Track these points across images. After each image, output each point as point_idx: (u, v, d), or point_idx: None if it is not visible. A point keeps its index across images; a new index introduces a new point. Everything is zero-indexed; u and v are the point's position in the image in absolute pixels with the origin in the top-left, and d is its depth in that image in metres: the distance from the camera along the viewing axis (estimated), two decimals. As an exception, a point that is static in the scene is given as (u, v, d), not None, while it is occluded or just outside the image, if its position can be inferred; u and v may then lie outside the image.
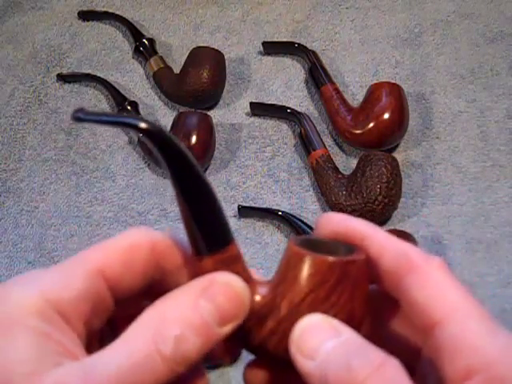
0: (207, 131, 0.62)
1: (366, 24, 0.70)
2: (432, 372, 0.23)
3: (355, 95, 0.66)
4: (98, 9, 0.75)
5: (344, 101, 0.62)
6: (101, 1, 0.76)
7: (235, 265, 0.25)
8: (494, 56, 0.65)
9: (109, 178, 0.65)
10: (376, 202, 0.55)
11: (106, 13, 0.74)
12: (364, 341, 0.22)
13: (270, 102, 0.66)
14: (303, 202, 0.61)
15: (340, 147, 0.64)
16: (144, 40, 0.70)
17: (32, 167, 0.67)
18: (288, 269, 0.24)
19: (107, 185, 0.65)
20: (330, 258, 0.24)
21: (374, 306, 0.27)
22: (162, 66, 0.68)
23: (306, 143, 0.61)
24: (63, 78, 0.71)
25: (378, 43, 0.68)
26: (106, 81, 0.69)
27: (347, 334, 0.23)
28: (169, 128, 0.63)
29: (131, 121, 0.23)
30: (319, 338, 0.23)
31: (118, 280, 0.24)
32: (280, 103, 0.66)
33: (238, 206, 0.60)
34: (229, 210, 0.62)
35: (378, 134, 0.59)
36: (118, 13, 0.74)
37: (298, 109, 0.65)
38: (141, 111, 0.66)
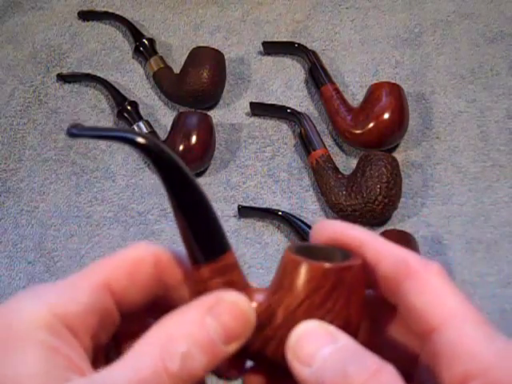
0: (207, 131, 0.62)
1: (366, 24, 0.70)
2: (430, 378, 0.23)
3: (355, 95, 0.66)
4: (98, 9, 0.75)
5: (344, 101, 0.62)
6: (101, 1, 0.76)
7: (231, 273, 0.25)
8: (494, 56, 0.65)
9: (109, 178, 0.65)
10: (376, 202, 0.55)
11: (106, 13, 0.74)
12: (360, 347, 0.22)
13: (269, 102, 0.66)
14: (303, 202, 0.61)
15: (340, 147, 0.64)
16: (144, 40, 0.70)
17: (32, 167, 0.67)
18: (284, 276, 0.24)
19: (107, 185, 0.65)
20: (325, 265, 0.24)
21: (371, 311, 0.27)
22: (161, 66, 0.68)
23: (306, 143, 0.61)
24: (63, 78, 0.71)
25: (377, 43, 0.68)
26: (105, 81, 0.69)
27: (343, 340, 0.23)
28: (169, 128, 0.63)
29: (128, 135, 0.23)
30: (315, 344, 0.23)
31: (124, 294, 0.24)
32: (280, 103, 0.66)
33: (238, 206, 0.60)
34: (229, 210, 0.62)
35: (378, 134, 0.59)
36: (118, 13, 0.74)
37: (298, 109, 0.65)
38: (141, 111, 0.66)
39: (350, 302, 0.24)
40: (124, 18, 0.73)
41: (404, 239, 0.54)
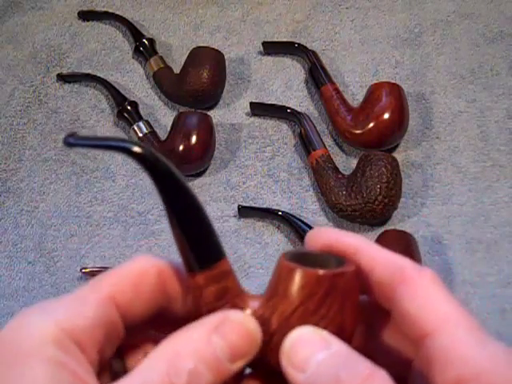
0: (207, 131, 0.62)
1: (366, 24, 0.70)
2: (423, 383, 0.23)
3: (355, 95, 0.66)
4: (98, 9, 0.75)
5: (344, 101, 0.62)
6: (101, 1, 0.76)
7: (226, 280, 0.25)
8: (494, 56, 0.65)
9: (109, 178, 0.65)
10: (376, 202, 0.55)
11: (106, 13, 0.74)
12: (353, 352, 0.23)
13: (269, 102, 0.66)
14: (303, 202, 0.61)
15: (340, 147, 0.64)
16: (144, 40, 0.70)
17: (32, 167, 0.67)
18: (278, 283, 0.25)
19: (107, 185, 0.65)
20: (319, 271, 0.24)
21: (366, 317, 0.27)
22: (162, 65, 0.68)
23: (306, 143, 0.61)
24: (63, 78, 0.71)
25: (378, 43, 0.68)
26: (105, 81, 0.69)
27: (337, 345, 0.23)
28: (169, 128, 0.63)
29: (123, 145, 0.23)
30: (309, 349, 0.23)
31: (129, 306, 0.25)
32: (280, 103, 0.66)
33: (238, 206, 0.60)
34: (229, 210, 0.62)
35: (378, 134, 0.59)
36: (118, 13, 0.74)
37: (298, 109, 0.65)
38: (141, 111, 0.66)
39: (343, 308, 0.24)
40: (124, 18, 0.73)
41: (404, 239, 0.54)
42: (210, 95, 0.66)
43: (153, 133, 0.64)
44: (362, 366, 0.22)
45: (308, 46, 0.68)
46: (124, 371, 0.26)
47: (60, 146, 0.67)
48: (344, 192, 0.57)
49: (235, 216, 0.61)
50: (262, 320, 0.24)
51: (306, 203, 0.61)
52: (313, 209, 0.61)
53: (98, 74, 0.70)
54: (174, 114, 0.66)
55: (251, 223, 0.61)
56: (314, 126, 0.62)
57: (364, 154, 0.57)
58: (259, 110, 0.66)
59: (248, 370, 0.26)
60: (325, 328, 0.24)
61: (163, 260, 0.26)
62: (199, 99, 0.65)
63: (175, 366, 0.22)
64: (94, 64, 0.72)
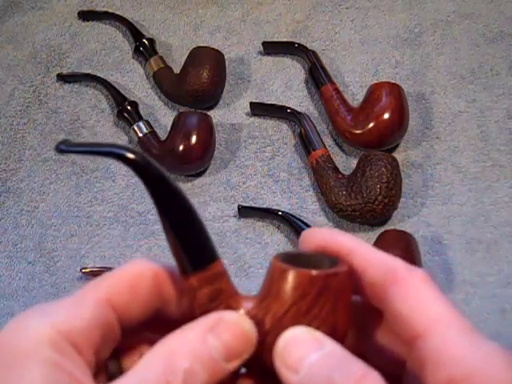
0: (207, 131, 0.62)
1: (366, 24, 0.70)
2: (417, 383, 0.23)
3: (355, 95, 0.66)
4: (98, 9, 0.75)
5: (344, 101, 0.62)
6: (101, 1, 0.76)
7: (219, 281, 0.25)
8: (494, 56, 0.65)
9: (109, 178, 0.65)
10: (376, 202, 0.55)
11: (106, 13, 0.74)
12: (346, 353, 0.23)
13: (269, 102, 0.66)
14: (303, 202, 0.61)
15: (340, 147, 0.64)
16: (144, 40, 0.70)
17: (32, 167, 0.67)
18: (271, 283, 0.25)
19: (107, 185, 0.65)
20: (312, 272, 0.24)
21: (359, 317, 0.27)
22: (162, 65, 0.68)
23: (306, 143, 0.61)
24: (63, 78, 0.71)
25: (378, 43, 0.68)
26: (105, 81, 0.69)
27: (330, 346, 0.23)
28: (169, 128, 0.63)
29: (116, 150, 0.23)
30: (302, 350, 0.23)
31: (125, 309, 0.25)
32: (280, 103, 0.66)
33: (238, 206, 0.60)
34: (229, 210, 0.62)
35: (378, 134, 0.59)
36: (118, 13, 0.74)
37: (298, 109, 0.65)
38: (141, 111, 0.66)
39: (336, 308, 0.24)
40: (124, 18, 0.73)
41: (404, 239, 0.54)
42: (210, 95, 0.66)
43: (153, 133, 0.64)
44: (355, 367, 0.22)
45: (308, 46, 0.68)
46: (120, 372, 0.26)
47: (60, 146, 0.67)
48: (344, 192, 0.57)
49: (235, 216, 0.61)
50: (256, 321, 0.25)
51: (306, 203, 0.61)
52: (313, 209, 0.61)
53: (98, 74, 0.70)
54: (174, 114, 0.66)
55: (251, 223, 0.61)
56: (314, 126, 0.62)
57: (364, 154, 0.57)
58: (259, 110, 0.66)
59: (243, 370, 0.27)
60: (317, 328, 0.24)
61: (158, 263, 0.26)
62: (199, 99, 0.65)
63: (171, 366, 0.22)
64: (94, 64, 0.72)
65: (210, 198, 0.63)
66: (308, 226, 0.58)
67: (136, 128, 0.64)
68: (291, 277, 0.24)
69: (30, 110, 0.70)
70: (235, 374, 0.26)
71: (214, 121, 0.64)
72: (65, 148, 0.23)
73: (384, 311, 0.25)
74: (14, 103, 0.71)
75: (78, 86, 0.71)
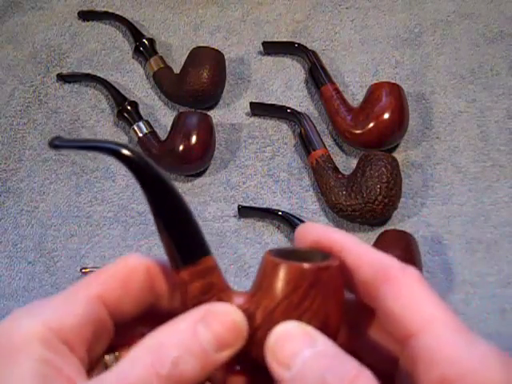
0: (207, 131, 0.62)
1: (366, 24, 0.70)
2: (409, 382, 0.23)
3: (355, 95, 0.66)
4: (98, 9, 0.75)
5: (344, 101, 0.62)
6: (101, 1, 0.76)
7: (211, 276, 0.26)
8: (494, 56, 0.65)
9: (109, 178, 0.65)
10: (376, 202, 0.55)
11: (106, 13, 0.74)
12: (339, 350, 0.23)
13: (269, 102, 0.66)
14: (303, 202, 0.61)
15: (340, 147, 0.64)
16: (144, 40, 0.70)
17: (32, 167, 0.67)
18: (263, 277, 0.25)
19: (107, 185, 0.65)
20: (303, 265, 0.24)
21: (352, 315, 0.27)
22: (162, 66, 0.68)
23: (306, 143, 0.61)
24: (63, 78, 0.71)
25: (378, 43, 0.68)
26: (105, 81, 0.69)
27: (322, 342, 0.23)
28: (169, 128, 0.63)
29: (110, 146, 0.24)
30: (294, 346, 0.23)
31: (117, 305, 0.25)
32: (280, 103, 0.66)
33: (238, 206, 0.60)
34: (229, 210, 0.62)
35: (378, 134, 0.59)
36: (118, 13, 0.74)
37: (298, 109, 0.65)
38: (141, 111, 0.66)
39: (328, 302, 0.24)
40: (124, 18, 0.73)
41: (404, 239, 0.54)
42: (210, 95, 0.66)
43: (153, 133, 0.64)
44: (349, 365, 0.22)
45: (308, 46, 0.68)
46: None
47: (60, 146, 0.67)
48: (344, 192, 0.57)
49: (235, 216, 0.61)
50: (247, 314, 0.25)
51: (305, 203, 0.61)
52: (313, 209, 0.61)
53: (98, 74, 0.70)
54: (174, 114, 0.67)
55: (251, 223, 0.61)
56: (314, 126, 0.62)
57: (364, 154, 0.57)
58: (259, 110, 0.66)
59: (237, 368, 0.26)
60: (309, 321, 0.24)
61: (151, 258, 0.27)
62: (199, 99, 0.65)
63: (159, 356, 0.22)
64: (94, 64, 0.72)
65: (210, 198, 0.63)
66: (308, 225, 0.58)
67: (136, 128, 0.64)
68: (283, 270, 0.24)
69: (30, 109, 0.70)
70: (229, 368, 0.26)
71: (214, 121, 0.64)
72: (59, 143, 0.23)
73: (376, 309, 0.25)
74: (14, 103, 0.71)
75: (78, 86, 0.71)
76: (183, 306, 0.25)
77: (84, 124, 0.69)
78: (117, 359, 0.27)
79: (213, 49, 0.66)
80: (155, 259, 0.27)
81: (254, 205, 0.62)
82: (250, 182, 0.63)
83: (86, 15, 0.75)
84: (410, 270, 0.24)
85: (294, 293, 0.24)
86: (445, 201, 0.59)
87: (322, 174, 0.59)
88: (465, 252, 0.57)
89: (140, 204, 0.63)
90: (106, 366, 0.26)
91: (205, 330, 0.23)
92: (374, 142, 0.59)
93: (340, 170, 0.60)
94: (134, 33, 0.71)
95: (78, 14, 0.75)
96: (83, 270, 0.60)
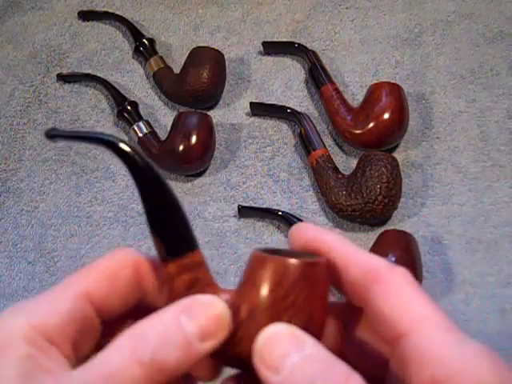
0: (207, 131, 0.62)
1: (366, 24, 0.70)
2: (400, 383, 0.23)
3: (355, 95, 0.66)
4: (98, 9, 0.75)
5: (344, 101, 0.62)
6: (101, 1, 0.76)
7: (198, 270, 0.26)
8: (494, 56, 0.65)
9: (109, 178, 0.65)
10: (376, 202, 0.55)
11: (106, 13, 0.74)
12: (328, 354, 0.23)
13: (269, 102, 0.66)
14: (303, 202, 0.61)
15: (340, 147, 0.64)
16: (144, 40, 0.70)
17: (32, 167, 0.67)
18: (250, 273, 0.25)
19: (107, 185, 0.65)
20: (289, 260, 0.24)
21: (342, 316, 0.27)
22: (162, 66, 0.68)
23: (306, 143, 0.61)
24: (63, 78, 0.71)
25: (378, 43, 0.68)
26: (105, 81, 0.69)
27: (310, 346, 0.23)
28: (169, 128, 0.63)
29: (104, 137, 0.25)
30: (282, 349, 0.23)
31: (104, 302, 0.25)
32: (280, 103, 0.66)
33: (238, 206, 0.60)
34: (229, 210, 0.62)
35: (377, 134, 0.59)
36: (118, 13, 0.74)
37: (298, 109, 0.65)
38: (141, 111, 0.66)
39: (313, 298, 0.24)
40: (124, 18, 0.73)
41: (404, 239, 0.54)
42: (210, 95, 0.66)
43: (153, 133, 0.64)
44: (338, 369, 0.22)
45: (308, 46, 0.68)
46: None
47: (60, 146, 0.67)
48: (344, 192, 0.57)
49: (235, 216, 0.61)
50: (232, 308, 0.25)
51: (305, 203, 0.61)
52: (313, 209, 0.61)
53: (98, 74, 0.70)
54: (174, 114, 0.67)
55: (251, 223, 0.61)
56: (314, 126, 0.62)
57: (364, 154, 0.57)
58: (259, 110, 0.66)
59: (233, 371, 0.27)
60: (293, 317, 0.24)
61: (140, 253, 0.27)
62: (199, 99, 0.65)
63: (142, 344, 0.23)
64: (94, 64, 0.72)
65: (210, 198, 0.63)
66: (308, 226, 0.58)
67: (136, 128, 0.64)
68: (268, 265, 0.24)
69: (30, 109, 0.70)
70: (215, 365, 0.26)
71: (214, 121, 0.64)
72: (55, 133, 0.24)
73: (366, 310, 0.25)
74: (14, 103, 0.71)
75: (78, 86, 0.71)
76: (170, 299, 0.26)
77: (84, 124, 0.69)
78: None
79: (213, 49, 0.66)
80: (144, 254, 0.27)
81: (254, 205, 0.62)
82: (250, 182, 0.63)
83: (86, 15, 0.75)
84: (400, 270, 0.24)
85: (279, 287, 0.24)
86: (445, 201, 0.59)
87: (322, 174, 0.59)
88: (465, 252, 0.57)
89: (140, 204, 0.63)
90: None
91: (188, 320, 0.24)
92: (374, 142, 0.59)
93: (340, 170, 0.60)
94: (134, 33, 0.71)
95: (78, 13, 0.75)
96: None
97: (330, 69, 0.66)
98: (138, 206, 0.63)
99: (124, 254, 0.26)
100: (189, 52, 0.66)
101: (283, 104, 0.65)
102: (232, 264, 0.59)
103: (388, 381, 0.25)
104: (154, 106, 0.69)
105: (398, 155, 0.61)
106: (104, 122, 0.68)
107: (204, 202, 0.63)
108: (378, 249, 0.54)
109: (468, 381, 0.21)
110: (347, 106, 0.62)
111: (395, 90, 0.60)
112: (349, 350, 0.27)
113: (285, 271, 0.24)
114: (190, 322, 0.23)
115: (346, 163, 0.62)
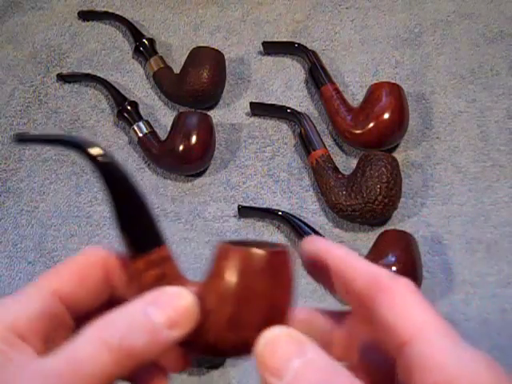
0: (207, 131, 0.62)
1: (366, 24, 0.70)
2: None
3: (355, 95, 0.66)
4: (98, 9, 0.75)
5: (344, 101, 0.62)
6: (101, 1, 0.76)
7: (164, 264, 0.27)
8: (494, 56, 0.65)
9: (109, 178, 0.65)
10: (376, 202, 0.55)
11: (106, 13, 0.74)
12: (329, 360, 0.23)
13: (269, 102, 0.66)
14: (303, 202, 0.61)
15: (340, 147, 0.64)
16: (144, 40, 0.70)
17: (32, 167, 0.67)
18: (215, 264, 0.26)
19: (107, 185, 0.65)
20: (252, 249, 0.25)
21: (347, 326, 0.28)
22: (162, 66, 0.68)
23: (306, 143, 0.61)
24: (63, 78, 0.71)
25: (378, 43, 0.68)
26: (105, 81, 0.69)
27: (312, 351, 0.23)
28: (169, 128, 0.63)
29: (73, 140, 0.26)
30: (284, 354, 0.23)
31: (74, 299, 0.26)
32: (280, 103, 0.66)
33: (238, 206, 0.60)
34: (229, 210, 0.62)
35: (377, 134, 0.59)
36: (118, 13, 0.74)
37: (298, 109, 0.65)
38: (141, 111, 0.66)
39: (276, 286, 0.25)
40: (124, 18, 0.73)
41: (404, 239, 0.54)
42: (210, 95, 0.66)
43: (153, 133, 0.64)
44: (342, 377, 0.22)
45: (308, 46, 0.68)
46: None
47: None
48: (344, 192, 0.57)
49: (235, 216, 0.61)
50: (200, 299, 0.25)
51: (305, 203, 0.61)
52: (313, 209, 0.61)
53: (98, 74, 0.70)
54: (174, 114, 0.66)
55: (251, 223, 0.61)
56: (314, 126, 0.62)
57: (364, 154, 0.57)
58: (259, 110, 0.66)
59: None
60: (258, 303, 0.25)
61: (110, 251, 0.28)
62: (199, 99, 0.65)
63: (109, 331, 0.23)
64: (94, 64, 0.72)
65: (210, 198, 0.63)
66: (308, 226, 0.58)
67: (136, 128, 0.64)
68: (232, 255, 0.25)
69: (30, 110, 0.70)
70: (187, 353, 0.27)
71: (214, 121, 0.64)
72: (22, 138, 0.26)
73: (372, 320, 0.25)
74: (14, 103, 0.71)
75: (78, 86, 0.71)
76: (139, 294, 0.26)
77: (84, 124, 0.69)
78: None
79: (213, 49, 0.66)
80: (114, 251, 0.28)
81: (254, 205, 0.62)
82: (250, 182, 0.63)
83: (86, 15, 0.75)
84: (403, 280, 0.25)
85: (243, 277, 0.25)
86: (445, 201, 0.59)
87: (322, 174, 0.59)
88: (465, 252, 0.57)
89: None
90: None
91: (155, 310, 0.24)
92: (374, 142, 0.59)
93: (340, 170, 0.60)
94: (134, 33, 0.71)
95: (78, 14, 0.75)
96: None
97: (330, 69, 0.66)
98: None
99: (93, 252, 0.27)
100: (189, 52, 0.66)
101: (283, 104, 0.65)
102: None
103: None
104: (154, 106, 0.69)
105: (398, 155, 0.61)
106: (104, 122, 0.68)
107: (204, 201, 0.63)
108: (377, 249, 0.54)
109: None
110: (347, 106, 0.62)
111: (395, 90, 0.60)
112: (354, 359, 0.27)
113: (248, 261, 0.25)
114: (158, 312, 0.24)
115: (346, 163, 0.62)
